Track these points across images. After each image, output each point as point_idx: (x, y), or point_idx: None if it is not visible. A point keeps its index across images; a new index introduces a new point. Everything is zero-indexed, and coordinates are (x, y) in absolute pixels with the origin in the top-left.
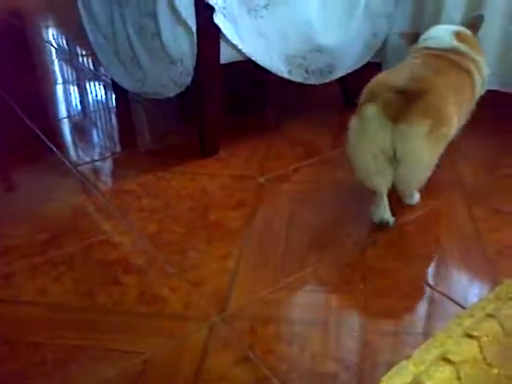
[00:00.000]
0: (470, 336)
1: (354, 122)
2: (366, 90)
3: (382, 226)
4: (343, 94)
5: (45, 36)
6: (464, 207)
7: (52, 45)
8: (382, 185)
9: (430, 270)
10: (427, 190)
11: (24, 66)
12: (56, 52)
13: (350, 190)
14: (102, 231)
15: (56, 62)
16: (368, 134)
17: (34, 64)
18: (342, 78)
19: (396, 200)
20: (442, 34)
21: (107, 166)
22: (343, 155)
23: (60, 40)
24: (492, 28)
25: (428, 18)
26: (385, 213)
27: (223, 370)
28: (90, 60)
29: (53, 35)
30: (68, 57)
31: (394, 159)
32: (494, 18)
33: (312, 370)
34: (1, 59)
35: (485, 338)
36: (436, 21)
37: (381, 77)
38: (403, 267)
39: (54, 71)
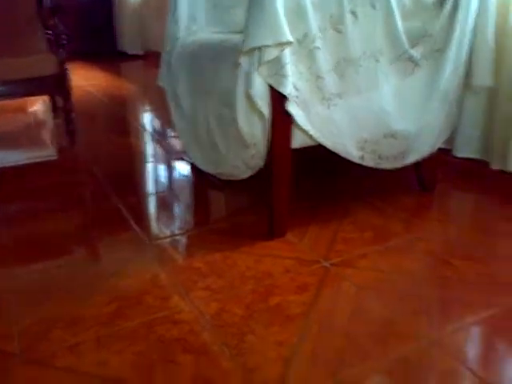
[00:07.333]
0: None
1: None
2: None
3: None
4: (418, 179)
5: (141, 120)
6: None
7: (146, 128)
8: None
9: (503, 376)
10: (504, 286)
11: (120, 146)
12: (149, 134)
13: (418, 280)
14: (166, 307)
15: (148, 143)
16: None
17: (129, 144)
18: (416, 163)
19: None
20: None
21: (179, 242)
22: (414, 242)
23: (154, 123)
24: None
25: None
26: None
27: None
28: (177, 142)
29: (148, 119)
30: (159, 138)
31: None
32: None
33: None
34: (100, 141)
35: None
36: None
37: None
38: (473, 371)
39: (145, 151)
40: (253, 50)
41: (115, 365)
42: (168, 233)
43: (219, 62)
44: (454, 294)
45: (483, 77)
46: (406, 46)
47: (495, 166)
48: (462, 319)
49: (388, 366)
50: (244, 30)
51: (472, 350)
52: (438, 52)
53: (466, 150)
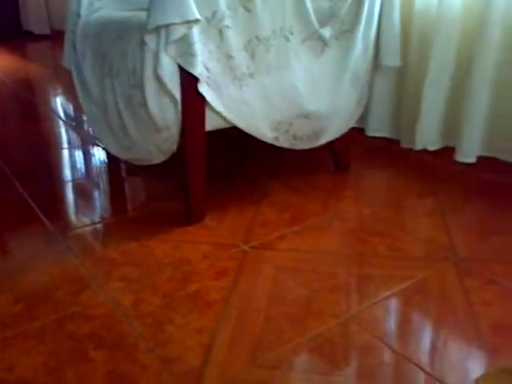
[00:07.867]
0: None
1: None
2: None
3: None
4: (333, 159)
5: (52, 104)
6: (455, 278)
7: (58, 112)
8: None
9: (418, 347)
10: (415, 260)
11: (27, 132)
12: (60, 119)
13: (336, 258)
14: (78, 302)
15: (58, 128)
16: None
17: (38, 130)
18: (331, 143)
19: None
20: None
21: (93, 232)
22: (331, 221)
23: (66, 107)
24: None
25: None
26: None
27: None
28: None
29: (60, 103)
30: (70, 123)
31: None
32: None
33: None
34: (5, 127)
35: None
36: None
37: None
38: (389, 345)
39: (54, 137)
40: (159, 28)
41: (24, 367)
42: (81, 223)
43: (125, 41)
44: (369, 270)
45: (391, 57)
46: (316, 25)
47: (405, 145)
48: (377, 294)
49: (307, 346)
50: (149, 7)
51: (388, 323)
52: (348, 33)
53: (377, 129)
